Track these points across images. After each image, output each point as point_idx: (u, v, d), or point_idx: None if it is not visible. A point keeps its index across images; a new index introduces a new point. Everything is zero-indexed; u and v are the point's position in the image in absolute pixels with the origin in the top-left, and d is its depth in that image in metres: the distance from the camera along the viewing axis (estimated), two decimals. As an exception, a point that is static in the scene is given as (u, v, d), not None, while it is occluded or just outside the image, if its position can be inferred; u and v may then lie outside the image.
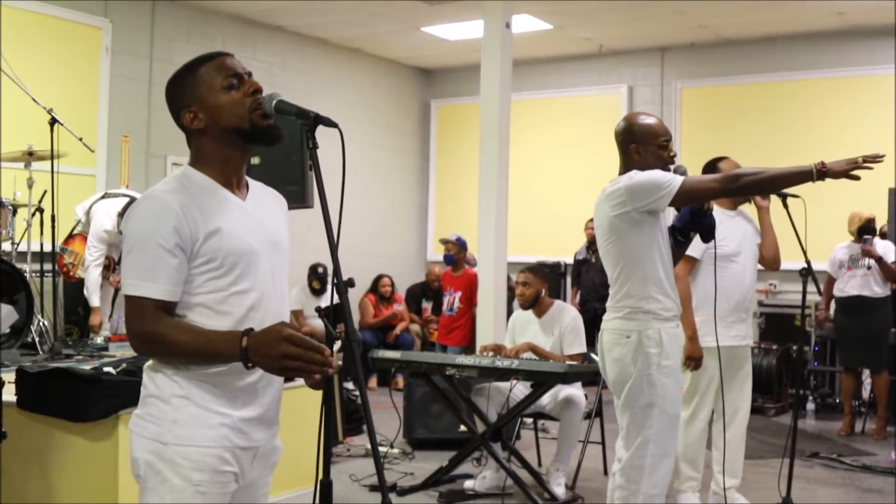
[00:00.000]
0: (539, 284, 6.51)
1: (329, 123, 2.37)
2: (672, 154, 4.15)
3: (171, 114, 2.51)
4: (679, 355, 4.18)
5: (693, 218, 4.13)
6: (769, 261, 5.64)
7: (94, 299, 7.35)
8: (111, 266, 7.54)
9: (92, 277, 7.29)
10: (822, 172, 3.62)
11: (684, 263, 5.16)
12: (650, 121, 4.21)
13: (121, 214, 7.19)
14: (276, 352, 2.19)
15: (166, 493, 2.33)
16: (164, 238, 2.31)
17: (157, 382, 2.39)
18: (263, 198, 2.61)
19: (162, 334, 2.31)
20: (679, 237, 4.22)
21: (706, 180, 3.92)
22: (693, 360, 5.28)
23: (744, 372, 5.59)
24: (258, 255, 2.45)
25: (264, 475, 2.56)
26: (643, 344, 4.02)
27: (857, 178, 3.65)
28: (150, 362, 2.44)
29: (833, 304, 8.56)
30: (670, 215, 4.29)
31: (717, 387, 5.34)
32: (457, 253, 10.19)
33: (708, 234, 4.19)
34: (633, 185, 3.96)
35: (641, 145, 4.12)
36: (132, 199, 7.26)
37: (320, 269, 10.35)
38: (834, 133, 10.32)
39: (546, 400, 6.17)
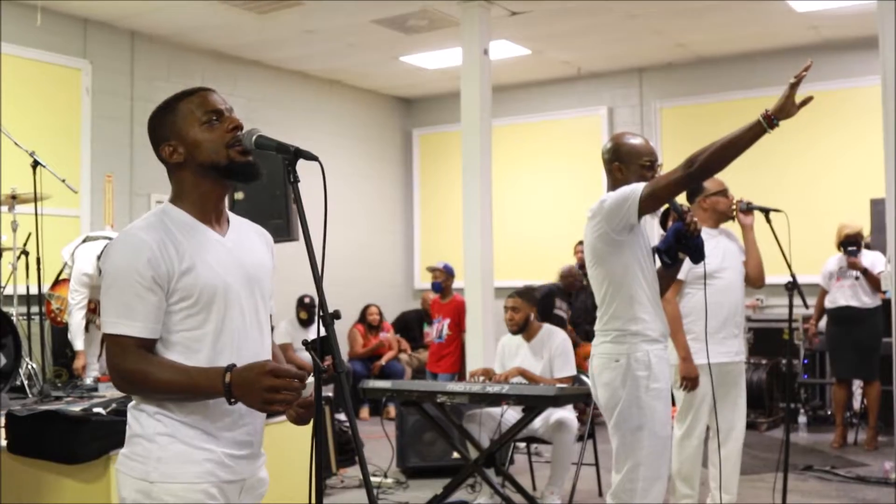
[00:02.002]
0: (528, 308, 6.53)
1: (309, 157, 2.38)
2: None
3: (152, 148, 2.53)
4: (669, 377, 4.17)
5: (679, 239, 4.13)
6: (753, 278, 5.66)
7: (78, 343, 7.28)
8: (97, 310, 7.51)
9: (75, 321, 7.22)
10: (770, 118, 3.55)
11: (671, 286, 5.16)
12: (635, 141, 4.21)
13: (100, 257, 7.16)
14: (259, 386, 2.21)
15: None
16: (141, 274, 2.32)
17: (142, 422, 2.40)
18: (245, 233, 2.61)
19: (143, 372, 2.31)
20: (666, 259, 4.21)
21: (666, 175, 3.84)
22: (688, 380, 5.29)
23: (738, 388, 5.60)
24: (234, 291, 2.45)
25: None
26: (632, 367, 4.00)
27: (808, 99, 3.57)
28: (133, 402, 2.44)
29: (825, 317, 8.60)
30: (655, 238, 4.30)
31: (710, 403, 5.34)
32: (444, 280, 10.19)
33: (697, 255, 4.18)
34: (606, 208, 3.97)
35: (624, 164, 4.12)
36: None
37: (307, 300, 10.33)
38: (816, 146, 10.37)
39: (538, 423, 6.17)
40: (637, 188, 3.87)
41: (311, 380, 2.36)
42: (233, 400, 2.27)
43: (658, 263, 4.21)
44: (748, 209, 5.49)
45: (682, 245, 4.13)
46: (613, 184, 4.13)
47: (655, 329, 4.06)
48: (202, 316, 2.40)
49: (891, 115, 7.21)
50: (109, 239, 7.43)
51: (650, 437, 3.99)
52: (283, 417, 4.05)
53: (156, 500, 2.34)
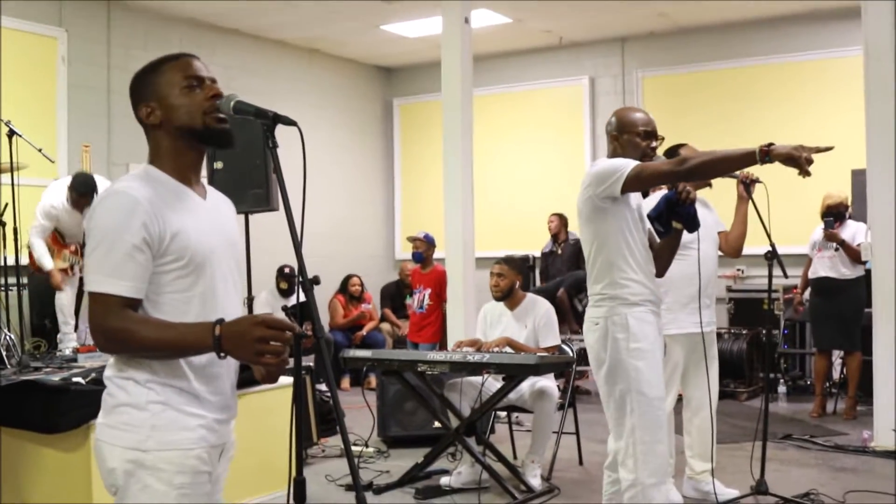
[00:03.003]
0: (513, 276, 6.53)
1: (288, 122, 2.39)
2: (653, 146, 4.23)
3: (132, 107, 2.53)
4: (654, 338, 4.19)
5: (670, 207, 4.17)
6: (732, 248, 5.68)
7: (46, 262, 7.45)
8: (78, 251, 7.53)
9: (38, 245, 7.40)
10: (765, 153, 3.58)
11: None
12: (634, 113, 4.35)
13: (71, 187, 7.25)
14: (251, 336, 2.20)
15: (147, 499, 2.33)
16: (133, 235, 2.30)
17: (129, 391, 2.37)
18: (217, 199, 2.64)
19: (129, 330, 2.29)
20: (658, 227, 4.26)
21: (656, 164, 4.04)
22: None
23: (709, 357, 5.61)
24: (218, 254, 2.47)
25: (225, 470, 2.57)
26: (609, 329, 4.11)
27: (805, 171, 3.52)
28: (115, 370, 2.41)
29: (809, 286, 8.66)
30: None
31: (681, 373, 5.42)
32: (425, 250, 10.18)
33: (691, 224, 4.23)
34: (595, 172, 4.10)
35: (621, 134, 4.26)
36: (82, 173, 7.33)
37: (287, 270, 10.30)
38: (797, 117, 10.39)
39: (525, 388, 6.18)
40: (627, 165, 4.00)
41: None
42: (222, 354, 2.25)
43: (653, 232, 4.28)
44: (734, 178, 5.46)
45: (674, 213, 4.17)
46: (612, 152, 4.30)
47: (638, 294, 4.13)
48: (192, 278, 2.39)
49: (872, 85, 7.22)
50: (81, 172, 7.54)
51: (639, 397, 4.08)
52: (262, 387, 4.04)
53: (149, 468, 2.33)
